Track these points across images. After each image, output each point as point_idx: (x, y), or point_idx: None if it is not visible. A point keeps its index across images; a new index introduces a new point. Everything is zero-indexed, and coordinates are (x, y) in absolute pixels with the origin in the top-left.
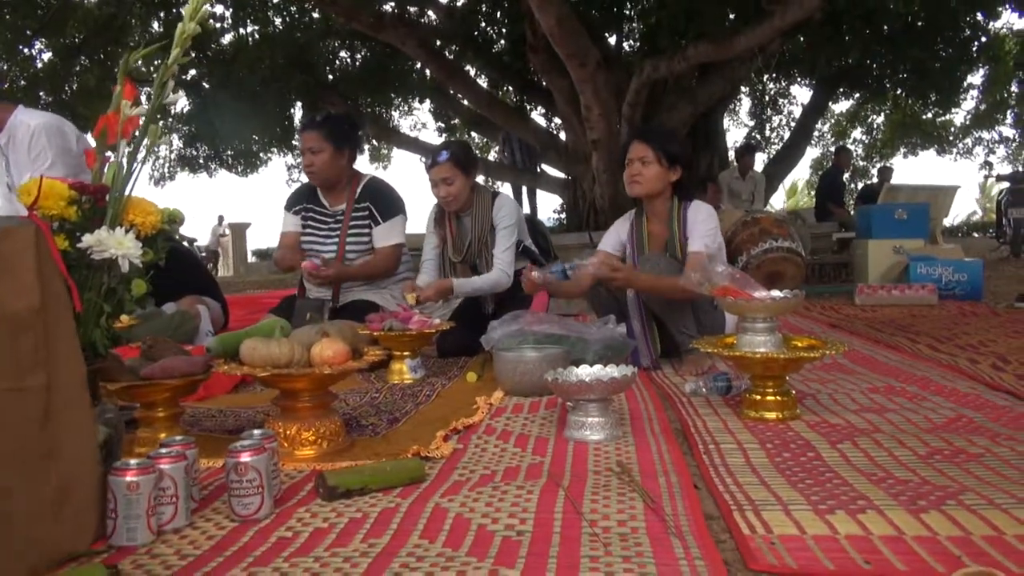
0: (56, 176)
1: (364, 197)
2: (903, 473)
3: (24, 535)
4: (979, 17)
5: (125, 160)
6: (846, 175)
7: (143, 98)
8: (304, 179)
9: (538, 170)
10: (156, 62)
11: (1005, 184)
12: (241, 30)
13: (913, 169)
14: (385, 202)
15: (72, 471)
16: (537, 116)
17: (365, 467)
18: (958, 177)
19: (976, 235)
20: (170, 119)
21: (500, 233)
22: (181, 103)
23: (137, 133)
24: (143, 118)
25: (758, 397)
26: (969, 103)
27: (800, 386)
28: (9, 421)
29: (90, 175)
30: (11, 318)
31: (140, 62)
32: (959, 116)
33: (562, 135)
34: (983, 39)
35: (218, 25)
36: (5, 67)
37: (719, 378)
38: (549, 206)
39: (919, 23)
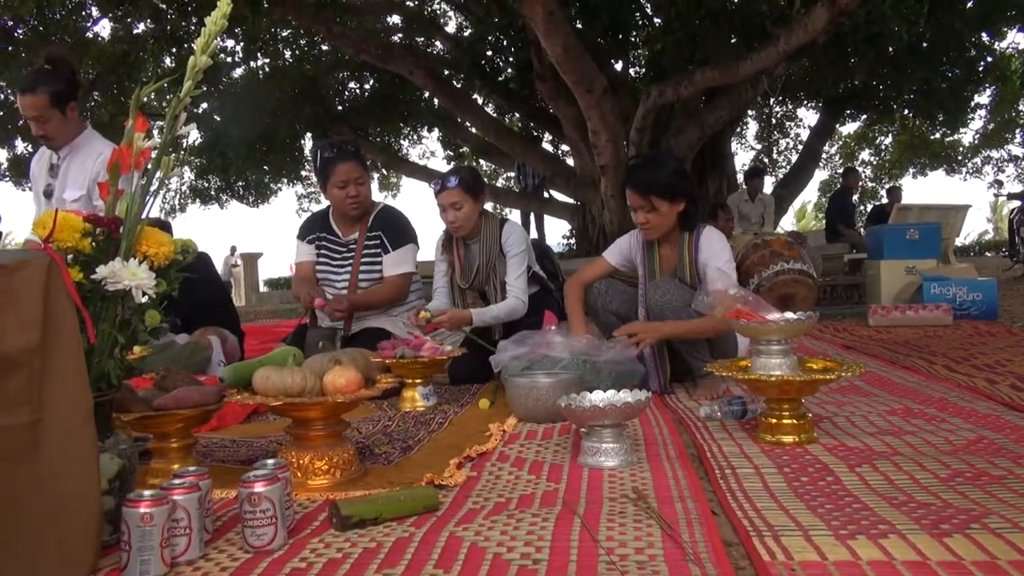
0: None
1: (376, 226)
2: (925, 496)
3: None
4: (984, 37)
5: (138, 192)
6: (855, 196)
7: (155, 132)
8: (314, 208)
9: (546, 195)
10: (168, 96)
11: (1016, 203)
12: (252, 63)
13: (922, 189)
14: (396, 230)
15: (64, 504)
16: (544, 143)
17: (378, 496)
18: (968, 196)
19: (988, 254)
20: (182, 151)
21: (512, 261)
22: (193, 135)
23: (150, 165)
24: (155, 150)
25: (774, 421)
26: (977, 123)
27: (816, 409)
28: None
29: None
30: (2, 358)
31: (153, 96)
32: (967, 136)
33: (570, 161)
34: (989, 59)
35: (229, 59)
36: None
37: (734, 402)
38: (558, 232)
39: (924, 44)
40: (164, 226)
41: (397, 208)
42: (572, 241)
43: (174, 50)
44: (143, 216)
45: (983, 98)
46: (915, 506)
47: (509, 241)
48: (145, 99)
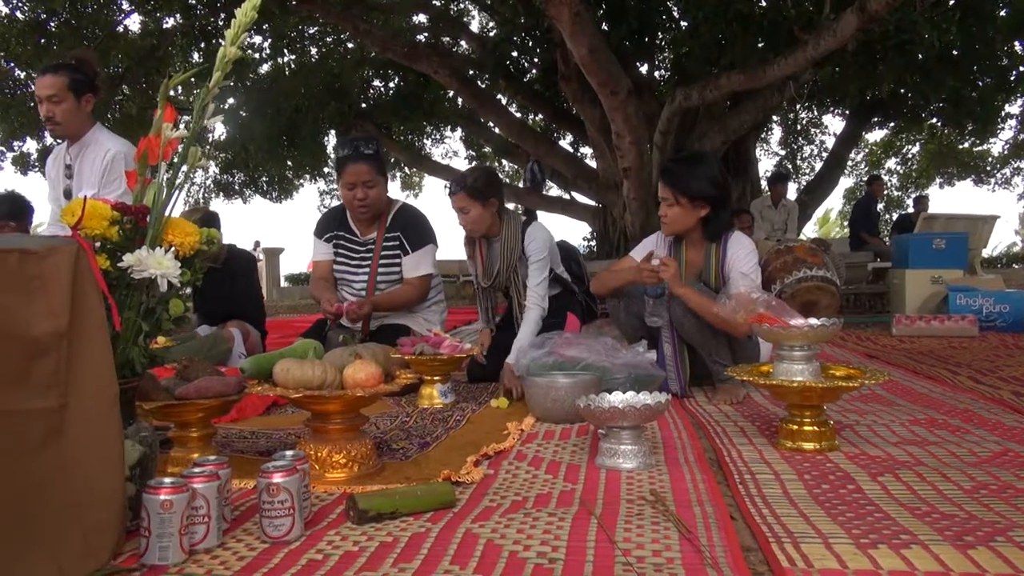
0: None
1: (395, 226)
2: (948, 508)
3: (23, 552)
4: (1017, 46)
5: (165, 182)
6: (880, 205)
7: (181, 125)
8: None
9: (567, 197)
10: (195, 91)
11: None
12: (279, 60)
13: (949, 199)
14: (415, 231)
15: (88, 489)
16: (566, 144)
17: (396, 491)
18: (996, 207)
19: (1016, 266)
20: (208, 146)
21: (532, 267)
22: (218, 130)
23: (177, 157)
24: (183, 141)
25: (795, 427)
26: (1007, 133)
27: (838, 417)
28: (2, 443)
29: None
30: (32, 342)
31: (180, 89)
32: (997, 146)
33: (592, 163)
34: (1022, 68)
35: (256, 55)
36: None
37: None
38: (577, 233)
39: (954, 52)
40: (212, 217)
41: (415, 207)
42: (593, 243)
43: (202, 45)
44: (170, 207)
45: (1014, 108)
46: (938, 516)
47: (531, 246)
48: (172, 92)
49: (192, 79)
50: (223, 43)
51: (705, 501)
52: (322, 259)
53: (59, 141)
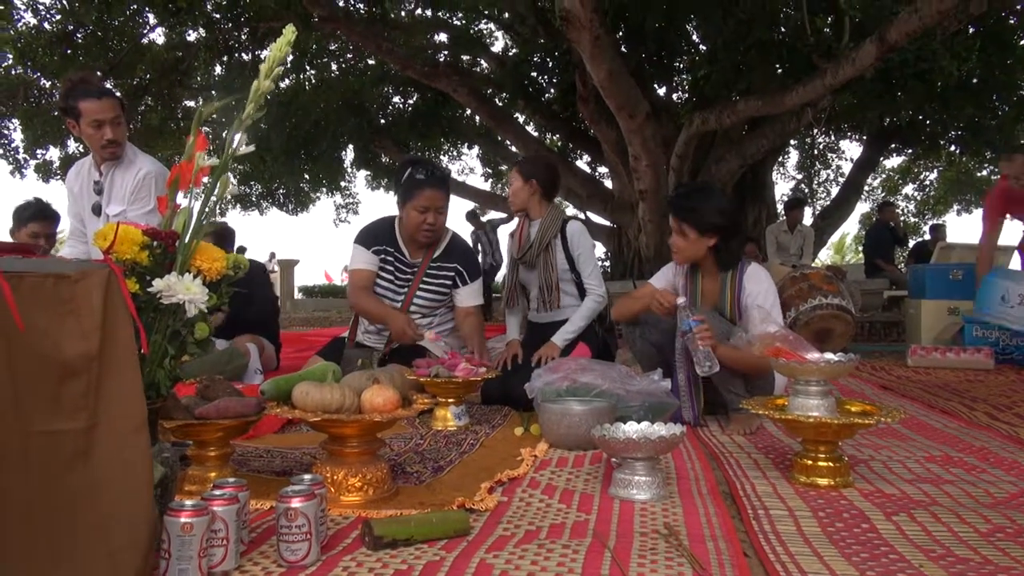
0: (152, 220)
1: (452, 255)
2: (963, 551)
3: (50, 571)
4: None
5: (195, 209)
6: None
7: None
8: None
9: (582, 217)
10: (215, 104)
11: None
12: (299, 75)
13: (967, 226)
14: (471, 264)
15: (114, 510)
16: (583, 163)
17: (411, 517)
18: (1014, 237)
19: None
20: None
21: (581, 260)
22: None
23: (206, 182)
24: (213, 169)
25: (809, 462)
26: None
27: (852, 451)
28: (33, 463)
29: None
30: (64, 364)
31: (201, 101)
32: None
33: (608, 183)
34: None
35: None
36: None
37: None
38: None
39: (974, 80)
40: (228, 233)
41: (463, 238)
42: (607, 263)
43: (225, 58)
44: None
45: None
46: (953, 560)
47: (575, 239)
48: (190, 102)
49: (216, 93)
50: (244, 57)
51: (719, 536)
52: (367, 268)
53: (82, 152)
